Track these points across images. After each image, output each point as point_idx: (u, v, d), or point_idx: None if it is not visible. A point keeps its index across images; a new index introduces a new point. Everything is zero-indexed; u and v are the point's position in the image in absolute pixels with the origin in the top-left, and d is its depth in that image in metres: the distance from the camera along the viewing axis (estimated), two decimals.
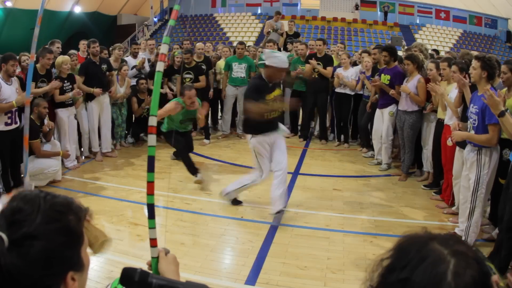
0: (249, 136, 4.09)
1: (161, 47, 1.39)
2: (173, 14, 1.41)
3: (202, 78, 6.66)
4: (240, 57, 7.00)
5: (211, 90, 7.23)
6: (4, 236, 0.71)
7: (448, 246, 0.72)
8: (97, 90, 5.66)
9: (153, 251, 1.25)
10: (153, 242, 1.29)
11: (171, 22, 1.40)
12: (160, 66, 1.34)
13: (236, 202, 4.46)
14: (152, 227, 1.32)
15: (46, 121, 4.88)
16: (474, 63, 3.39)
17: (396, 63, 5.54)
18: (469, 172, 3.51)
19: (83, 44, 6.75)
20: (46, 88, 4.96)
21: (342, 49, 7.37)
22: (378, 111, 5.68)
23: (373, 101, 5.90)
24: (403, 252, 0.74)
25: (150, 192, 1.30)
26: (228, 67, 7.02)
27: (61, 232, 0.76)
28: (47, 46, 5.35)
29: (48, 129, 4.83)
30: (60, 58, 5.37)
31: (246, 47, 7.52)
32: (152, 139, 1.29)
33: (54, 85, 5.00)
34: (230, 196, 4.41)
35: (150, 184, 1.29)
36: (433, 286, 0.68)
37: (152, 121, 1.29)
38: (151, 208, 1.30)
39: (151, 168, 1.29)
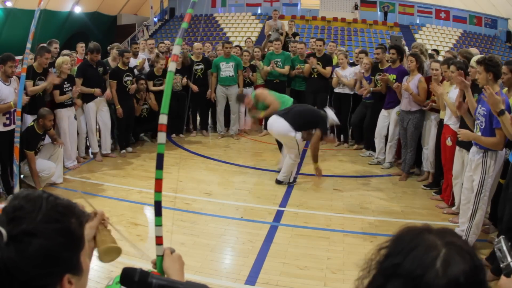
0: (294, 132, 4.85)
1: (174, 48, 1.41)
2: (187, 17, 1.43)
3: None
4: (227, 56, 6.98)
5: (210, 90, 7.22)
6: (3, 230, 0.71)
7: (443, 237, 0.74)
8: (97, 90, 5.67)
9: (159, 249, 1.23)
10: (159, 240, 1.27)
11: (184, 25, 1.42)
12: (172, 66, 1.34)
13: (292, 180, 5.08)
14: (158, 224, 1.30)
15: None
16: (478, 67, 3.38)
17: (401, 63, 5.57)
18: (473, 174, 3.49)
19: (81, 47, 6.74)
20: (45, 85, 4.96)
21: (334, 47, 7.37)
22: (384, 111, 5.69)
23: (369, 91, 5.94)
24: (398, 240, 0.77)
25: (158, 189, 1.28)
26: (216, 68, 7.01)
27: (61, 233, 0.76)
28: (45, 45, 5.35)
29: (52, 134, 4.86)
30: (60, 59, 5.38)
31: (234, 46, 7.51)
32: (162, 136, 1.28)
33: (52, 80, 4.99)
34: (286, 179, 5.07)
35: (158, 181, 1.28)
36: (421, 271, 0.70)
37: (163, 119, 1.28)
38: (158, 205, 1.29)
39: (160, 165, 1.27)
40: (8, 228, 0.72)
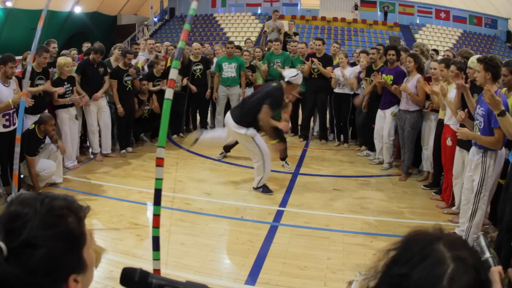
0: (243, 128, 4.55)
1: (171, 72, 1.33)
2: (184, 35, 1.39)
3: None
4: (230, 56, 6.96)
5: (208, 90, 7.23)
6: (3, 245, 0.69)
7: (452, 250, 0.73)
8: (85, 99, 5.54)
9: None
10: (156, 273, 1.29)
11: (181, 44, 1.37)
12: (169, 93, 1.29)
13: (266, 189, 4.76)
14: (156, 259, 1.29)
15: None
16: (478, 66, 3.38)
17: (398, 63, 5.57)
18: (474, 174, 3.50)
19: (86, 46, 6.79)
20: (40, 88, 4.94)
21: (338, 49, 7.37)
22: (380, 111, 5.69)
23: (367, 98, 5.93)
24: (408, 247, 0.77)
25: (156, 225, 1.26)
26: (219, 68, 7.01)
27: (61, 237, 0.74)
28: (43, 45, 5.35)
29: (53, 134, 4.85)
30: (62, 60, 5.35)
31: (242, 47, 7.52)
32: (159, 172, 1.24)
33: (48, 87, 4.98)
34: (260, 184, 4.79)
35: (156, 217, 1.25)
36: (428, 287, 0.70)
37: (160, 153, 1.25)
38: (156, 240, 1.27)
39: (157, 201, 1.25)
40: (6, 241, 0.70)
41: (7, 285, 0.68)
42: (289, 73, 4.68)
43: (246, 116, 4.57)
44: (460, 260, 0.72)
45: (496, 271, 0.78)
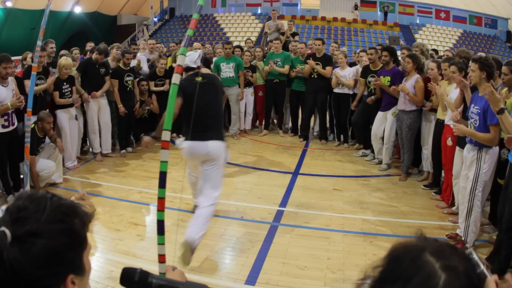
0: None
1: (178, 58, 1.35)
2: (192, 23, 1.38)
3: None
4: (228, 57, 6.98)
5: None
6: (7, 231, 0.72)
7: (441, 259, 0.72)
8: (84, 96, 5.59)
9: (161, 267, 1.23)
10: (161, 258, 1.27)
11: (189, 32, 1.37)
12: (176, 79, 1.29)
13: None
14: (161, 243, 1.29)
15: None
16: (472, 65, 3.40)
17: (394, 64, 5.56)
18: (468, 171, 3.51)
19: (90, 46, 6.83)
20: (43, 87, 4.94)
21: (336, 48, 7.35)
22: (380, 113, 5.68)
23: (364, 99, 5.99)
24: (396, 263, 0.74)
25: (161, 208, 1.27)
26: (217, 68, 7.01)
27: (65, 233, 0.76)
28: (41, 45, 5.35)
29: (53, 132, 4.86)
30: (63, 61, 5.34)
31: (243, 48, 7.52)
32: (164, 154, 1.25)
33: (51, 81, 4.99)
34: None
35: (161, 200, 1.26)
36: None
37: (166, 136, 1.26)
38: (160, 224, 1.28)
39: (162, 184, 1.25)
40: (12, 229, 0.73)
41: (12, 272, 0.70)
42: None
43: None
44: (450, 269, 0.71)
45: (492, 280, 0.77)
